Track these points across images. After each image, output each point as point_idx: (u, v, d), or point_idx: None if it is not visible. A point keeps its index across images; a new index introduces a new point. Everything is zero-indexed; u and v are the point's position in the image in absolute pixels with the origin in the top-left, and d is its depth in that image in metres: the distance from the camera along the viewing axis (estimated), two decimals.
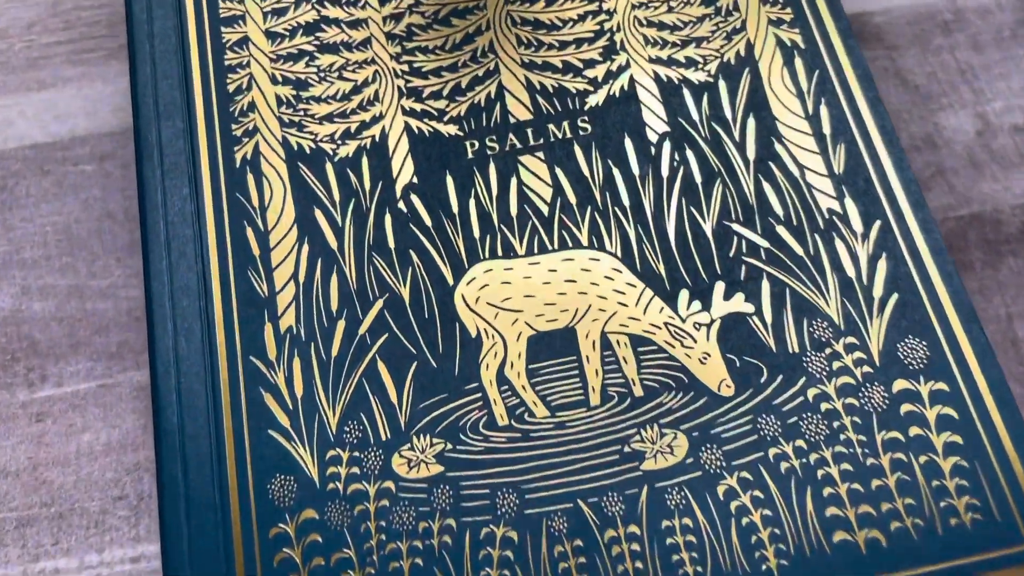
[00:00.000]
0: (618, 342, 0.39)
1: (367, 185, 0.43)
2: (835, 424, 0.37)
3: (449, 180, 0.43)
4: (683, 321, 0.39)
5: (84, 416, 0.45)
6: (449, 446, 0.38)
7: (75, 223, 0.49)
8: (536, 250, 0.41)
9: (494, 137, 0.43)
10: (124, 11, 0.49)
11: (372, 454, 0.38)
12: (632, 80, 0.44)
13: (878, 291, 0.39)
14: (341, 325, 0.40)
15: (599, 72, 0.45)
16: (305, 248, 0.42)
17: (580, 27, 0.46)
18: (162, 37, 0.46)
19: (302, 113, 0.44)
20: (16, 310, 0.47)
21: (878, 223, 0.40)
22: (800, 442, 0.37)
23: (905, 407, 0.37)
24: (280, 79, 0.45)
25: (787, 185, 0.41)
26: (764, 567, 0.35)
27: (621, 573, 0.35)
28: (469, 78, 0.45)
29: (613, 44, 0.45)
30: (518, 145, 0.43)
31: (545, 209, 0.42)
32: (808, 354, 0.38)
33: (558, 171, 0.43)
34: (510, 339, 0.40)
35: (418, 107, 0.44)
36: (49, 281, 0.48)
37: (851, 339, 0.39)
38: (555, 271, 0.41)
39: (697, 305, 0.40)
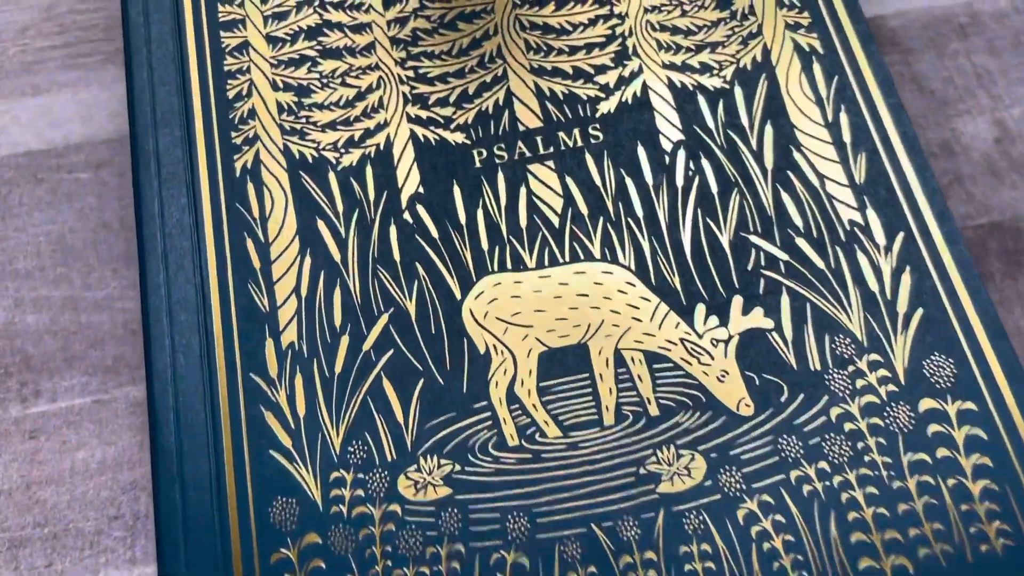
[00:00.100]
0: (632, 359, 0.38)
1: (371, 195, 0.41)
2: (859, 445, 0.36)
3: (456, 190, 0.41)
4: (700, 337, 0.38)
5: (79, 433, 0.43)
6: (457, 467, 0.36)
7: (70, 233, 0.47)
8: (547, 263, 0.40)
9: (502, 145, 0.42)
10: (120, 15, 0.48)
11: (377, 476, 0.36)
12: (645, 86, 0.43)
13: (902, 306, 0.38)
14: (345, 341, 0.39)
15: (611, 78, 0.43)
16: (307, 261, 0.40)
17: (591, 31, 0.44)
18: (159, 42, 0.44)
19: (304, 120, 0.43)
20: (9, 323, 0.46)
21: (901, 235, 0.39)
22: (823, 464, 0.35)
23: (932, 427, 0.36)
24: (281, 85, 0.44)
25: (806, 195, 0.40)
26: None
27: None
28: (476, 84, 0.43)
29: (625, 49, 0.44)
30: (527, 153, 0.42)
31: (556, 220, 0.41)
32: (830, 372, 0.37)
33: (569, 180, 0.41)
34: (520, 356, 0.38)
35: (424, 114, 0.43)
36: (43, 293, 0.46)
37: (875, 356, 0.37)
38: (566, 285, 0.39)
39: (714, 320, 0.38)
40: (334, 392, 0.38)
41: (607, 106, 0.43)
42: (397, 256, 0.40)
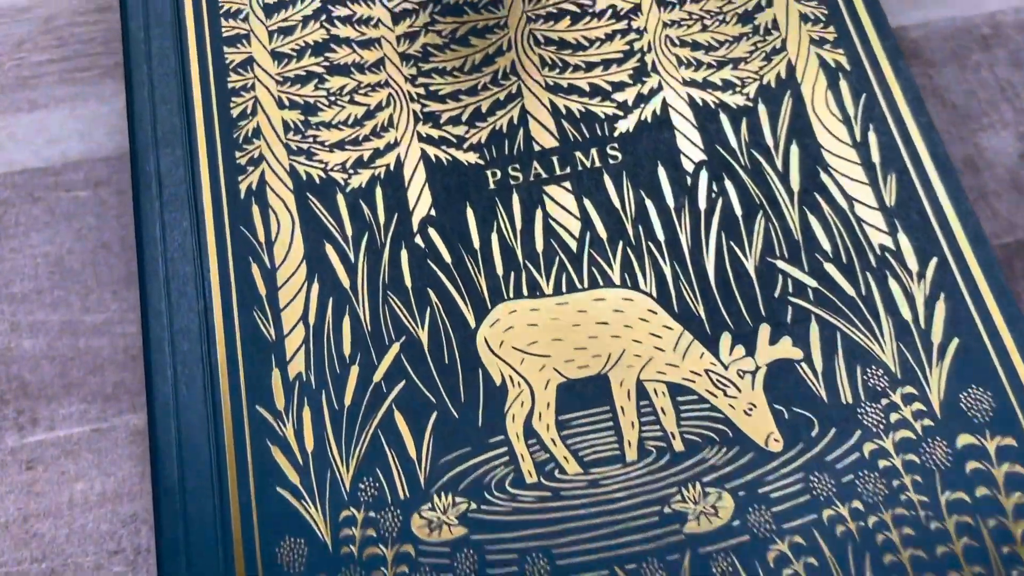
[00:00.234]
0: (655, 391, 0.36)
1: (381, 218, 0.40)
2: (894, 483, 0.34)
3: (469, 212, 0.40)
4: (726, 368, 0.36)
5: (77, 463, 0.42)
6: (473, 506, 0.35)
7: (68, 254, 0.46)
8: (564, 289, 0.38)
9: (517, 166, 0.40)
10: (120, 28, 0.47)
11: (389, 514, 0.35)
12: (665, 104, 0.41)
13: (937, 336, 0.36)
14: (354, 371, 0.37)
15: (629, 95, 0.42)
16: (315, 287, 0.39)
17: (608, 47, 0.43)
18: (160, 58, 0.43)
19: (311, 140, 0.41)
20: (5, 348, 0.44)
21: (934, 260, 0.38)
22: (856, 503, 0.34)
23: (970, 464, 0.34)
24: (287, 103, 0.42)
25: (835, 219, 0.38)
26: None
27: None
28: (490, 102, 0.42)
29: (644, 65, 0.42)
30: (543, 174, 0.40)
31: (573, 244, 0.39)
32: (863, 405, 0.35)
33: (587, 202, 0.40)
34: (538, 387, 0.37)
35: (435, 133, 0.41)
36: (40, 317, 0.45)
37: (909, 389, 0.36)
38: (585, 312, 0.38)
39: (741, 350, 0.37)
40: (343, 426, 0.36)
41: (626, 125, 0.41)
42: (408, 282, 0.39)
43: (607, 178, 0.40)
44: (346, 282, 0.39)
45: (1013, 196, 0.46)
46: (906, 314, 0.37)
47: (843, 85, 0.41)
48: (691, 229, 0.39)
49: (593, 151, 0.41)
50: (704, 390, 0.36)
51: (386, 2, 0.43)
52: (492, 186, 0.40)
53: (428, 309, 0.38)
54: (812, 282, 0.38)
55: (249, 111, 0.42)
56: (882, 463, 0.34)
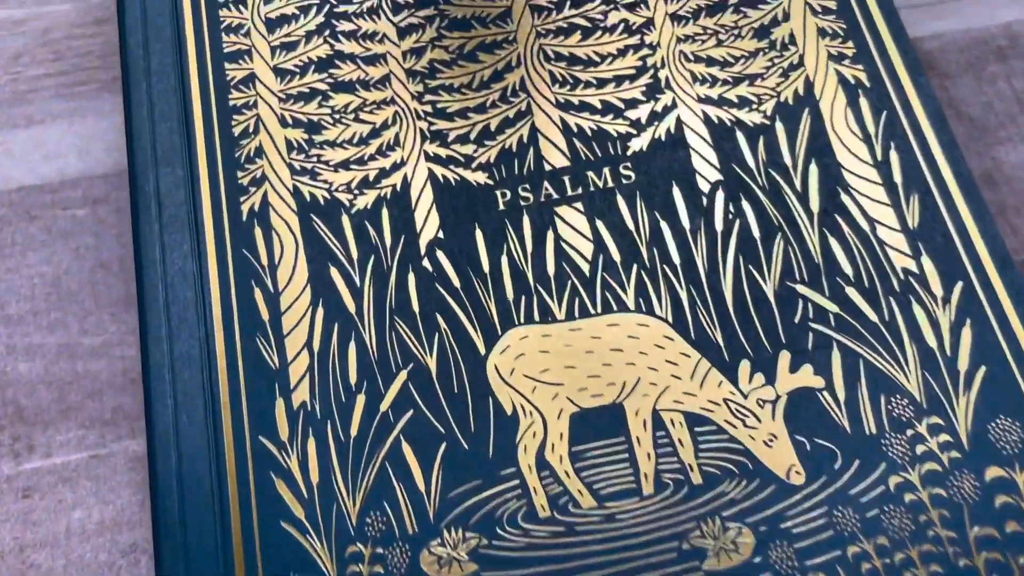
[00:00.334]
0: (672, 421, 0.35)
1: (388, 240, 0.38)
2: (921, 518, 0.33)
3: (478, 234, 0.39)
4: (745, 397, 0.35)
5: (75, 491, 0.41)
6: (484, 541, 0.34)
7: (65, 274, 0.45)
8: (577, 314, 0.37)
9: (527, 186, 0.39)
10: (118, 41, 0.45)
11: (397, 550, 0.34)
12: (679, 122, 0.40)
13: (963, 363, 0.35)
14: (361, 400, 0.36)
15: (642, 113, 0.40)
16: (320, 312, 0.37)
17: (620, 63, 0.41)
18: (160, 74, 0.42)
19: (315, 159, 0.40)
20: (0, 372, 0.43)
21: (960, 285, 0.36)
22: (882, 539, 0.33)
23: (1000, 499, 0.33)
24: (290, 121, 0.41)
25: (856, 241, 0.37)
26: None
27: None
28: (499, 120, 0.41)
29: (657, 82, 0.41)
30: (554, 195, 0.39)
31: (586, 267, 0.38)
32: (887, 436, 0.34)
33: (599, 224, 0.38)
34: (550, 417, 0.35)
35: (443, 152, 0.40)
36: (36, 339, 0.44)
37: (935, 419, 0.34)
38: (599, 338, 0.36)
39: (760, 378, 0.35)
40: (350, 457, 0.35)
41: (639, 143, 0.40)
42: (416, 307, 0.37)
43: (620, 199, 0.39)
44: (351, 307, 0.37)
45: None
46: (931, 341, 0.36)
47: (863, 102, 0.40)
48: (707, 252, 0.38)
49: (606, 171, 0.39)
50: (723, 420, 0.35)
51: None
52: (502, 207, 0.39)
53: (436, 335, 0.37)
54: (833, 307, 0.36)
55: (251, 129, 0.41)
56: (908, 497, 0.33)
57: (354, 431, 0.36)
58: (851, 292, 0.37)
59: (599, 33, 0.42)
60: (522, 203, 0.39)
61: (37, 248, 0.45)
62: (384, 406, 0.36)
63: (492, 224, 0.39)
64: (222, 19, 0.43)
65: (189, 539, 0.34)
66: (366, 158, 0.40)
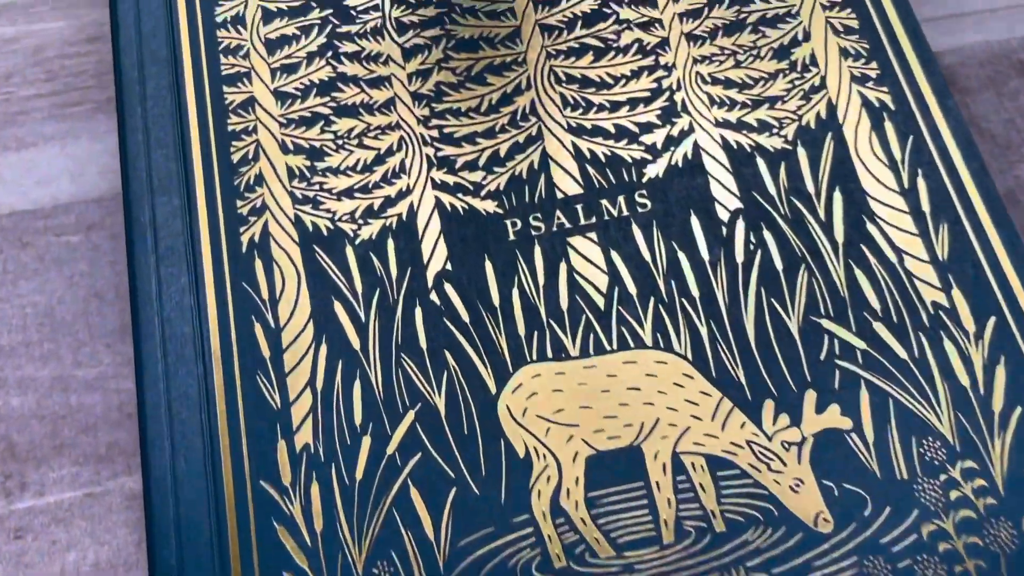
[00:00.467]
0: (693, 465, 0.34)
1: (394, 272, 0.37)
2: (956, 569, 0.31)
3: (488, 266, 0.37)
4: (769, 439, 0.34)
5: (69, 531, 0.39)
6: None
7: (59, 304, 0.43)
8: (592, 350, 0.35)
9: (539, 215, 0.38)
10: (112, 63, 0.44)
11: None
12: (697, 147, 0.38)
13: (998, 403, 0.34)
14: (366, 442, 0.34)
15: (658, 138, 0.39)
16: (323, 349, 0.36)
17: (634, 85, 0.40)
18: (156, 98, 0.40)
19: (317, 187, 0.39)
20: None
21: (992, 320, 0.35)
22: None
23: None
24: (291, 147, 0.39)
25: (883, 273, 0.36)
26: None
27: None
28: (508, 145, 0.39)
29: (673, 105, 0.39)
30: (567, 224, 0.38)
31: (600, 301, 0.36)
32: (919, 481, 0.33)
33: (614, 255, 0.37)
34: (565, 460, 0.34)
35: (450, 180, 0.38)
36: (29, 372, 0.42)
37: (969, 463, 0.33)
38: (615, 376, 0.35)
39: (785, 419, 0.34)
40: (355, 503, 0.34)
41: (655, 170, 0.38)
42: (423, 343, 0.36)
43: (636, 228, 0.37)
44: (356, 343, 0.36)
45: None
46: (963, 379, 0.34)
47: (888, 126, 0.38)
48: (728, 284, 0.36)
49: (620, 199, 0.38)
50: (746, 464, 0.33)
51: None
52: (512, 237, 0.37)
53: (445, 373, 0.35)
54: (860, 343, 0.35)
55: (251, 156, 0.39)
56: (942, 546, 0.32)
57: (359, 475, 0.34)
58: (879, 327, 0.35)
59: (612, 54, 0.41)
60: (533, 233, 0.37)
61: (29, 276, 0.44)
62: (391, 448, 0.34)
63: (502, 255, 0.37)
64: (220, 40, 0.41)
65: None
66: (370, 186, 0.39)
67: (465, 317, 0.36)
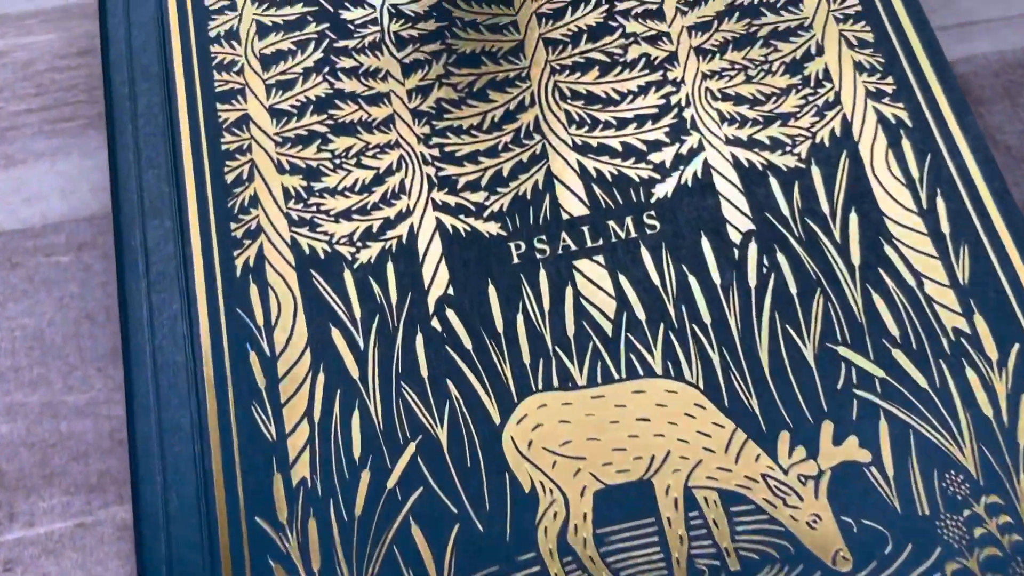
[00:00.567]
0: (706, 500, 0.32)
1: (393, 297, 0.36)
2: None
3: (491, 291, 0.36)
4: (785, 472, 0.32)
5: (60, 563, 0.38)
6: None
7: (48, 326, 0.42)
8: (599, 379, 0.34)
9: (543, 237, 0.36)
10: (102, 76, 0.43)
11: None
12: (707, 166, 0.37)
13: (1023, 435, 0.32)
14: (366, 476, 0.33)
15: (667, 156, 0.38)
16: (320, 378, 0.35)
17: (642, 101, 0.39)
18: (147, 117, 0.39)
19: (314, 209, 0.37)
20: None
21: (1016, 347, 0.34)
22: None
23: None
24: (287, 167, 0.38)
25: (902, 298, 0.34)
26: None
27: None
28: (512, 164, 0.38)
29: (682, 122, 0.38)
30: (573, 247, 0.36)
31: (608, 327, 0.35)
32: (942, 517, 0.31)
33: (622, 279, 0.36)
34: (572, 495, 0.33)
35: (452, 200, 0.37)
36: (18, 398, 0.41)
37: (994, 498, 0.32)
38: (624, 407, 0.34)
39: (801, 452, 0.33)
40: (354, 540, 0.32)
41: (664, 190, 0.37)
42: (425, 371, 0.35)
43: (644, 251, 0.36)
44: (355, 372, 0.35)
45: None
46: (987, 410, 0.33)
47: (905, 144, 0.37)
48: (740, 309, 0.35)
49: (628, 220, 0.37)
50: (761, 499, 0.32)
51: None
52: (516, 260, 0.36)
53: (447, 403, 0.34)
54: (879, 372, 0.33)
55: (245, 176, 0.38)
56: None
57: (359, 510, 0.33)
58: (898, 355, 0.34)
59: (618, 69, 0.39)
60: (538, 256, 0.36)
61: (18, 298, 0.43)
62: (391, 483, 0.33)
63: (506, 279, 0.36)
64: (214, 55, 0.40)
65: None
66: (369, 207, 0.37)
67: (468, 344, 0.35)
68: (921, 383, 0.33)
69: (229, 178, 0.38)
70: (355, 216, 0.37)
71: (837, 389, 0.33)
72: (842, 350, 0.34)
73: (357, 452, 0.34)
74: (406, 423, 0.34)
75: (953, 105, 0.37)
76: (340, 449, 0.34)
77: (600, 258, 0.36)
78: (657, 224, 0.36)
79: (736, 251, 0.36)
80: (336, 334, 0.35)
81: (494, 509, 0.33)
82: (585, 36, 0.40)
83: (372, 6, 0.41)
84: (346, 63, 0.40)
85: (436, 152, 0.38)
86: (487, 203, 0.37)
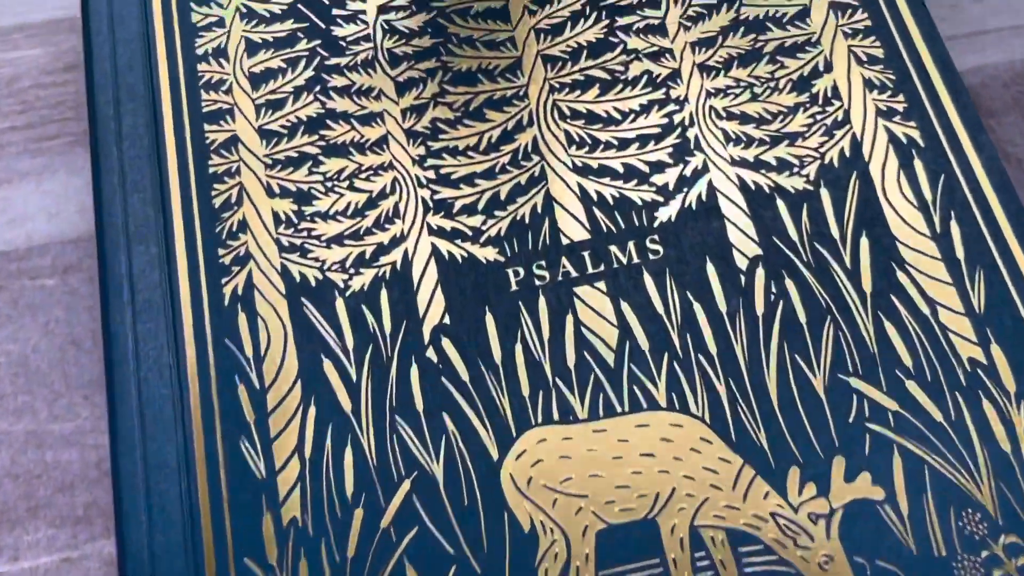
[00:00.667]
0: (713, 539, 0.31)
1: (387, 327, 0.34)
2: None
3: (489, 319, 0.34)
4: (795, 511, 0.31)
5: None
6: None
7: (33, 352, 0.41)
8: (601, 412, 0.33)
9: (543, 263, 0.35)
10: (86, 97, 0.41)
11: None
12: (712, 188, 0.36)
13: None
14: (359, 515, 0.32)
15: (670, 178, 0.36)
16: (312, 412, 0.33)
17: (644, 120, 0.37)
18: (133, 138, 0.38)
19: (305, 234, 0.36)
20: None
21: None
22: None
23: None
24: (277, 190, 0.37)
25: (915, 327, 0.33)
26: None
27: None
28: (510, 187, 0.36)
29: (686, 142, 0.37)
30: (573, 273, 0.35)
31: (610, 357, 0.34)
32: (959, 558, 0.30)
33: (624, 306, 0.34)
34: (574, 535, 0.31)
35: (448, 225, 0.36)
36: (2, 427, 0.40)
37: (1012, 538, 0.30)
38: (627, 441, 0.32)
39: (812, 489, 0.31)
40: None
41: (667, 213, 0.36)
42: (420, 404, 0.33)
43: (647, 277, 0.35)
44: (347, 405, 0.33)
45: None
46: (1004, 444, 0.31)
47: (918, 164, 0.36)
48: (748, 339, 0.33)
49: (630, 245, 0.35)
50: (770, 538, 0.31)
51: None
52: (514, 287, 0.35)
53: (443, 438, 0.33)
54: (892, 404, 0.32)
55: (233, 200, 0.36)
56: None
57: (351, 551, 0.31)
58: (911, 386, 0.32)
59: (619, 87, 0.38)
60: (537, 283, 0.35)
61: (2, 324, 0.41)
62: (385, 522, 0.32)
63: (504, 307, 0.35)
64: (201, 74, 0.39)
65: None
66: (362, 232, 0.36)
67: (464, 375, 0.34)
68: (936, 416, 0.32)
69: (217, 202, 0.36)
70: (347, 241, 0.36)
71: (849, 422, 0.32)
72: (854, 381, 0.33)
73: (350, 490, 0.32)
74: (400, 459, 0.33)
75: (966, 124, 0.36)
76: (332, 487, 0.32)
77: (601, 284, 0.35)
78: (660, 249, 0.35)
79: (743, 277, 0.34)
80: (328, 365, 0.34)
81: (492, 550, 0.31)
82: (585, 53, 0.39)
83: (365, 22, 0.39)
84: (338, 81, 0.38)
85: (431, 174, 0.37)
86: (484, 227, 0.36)
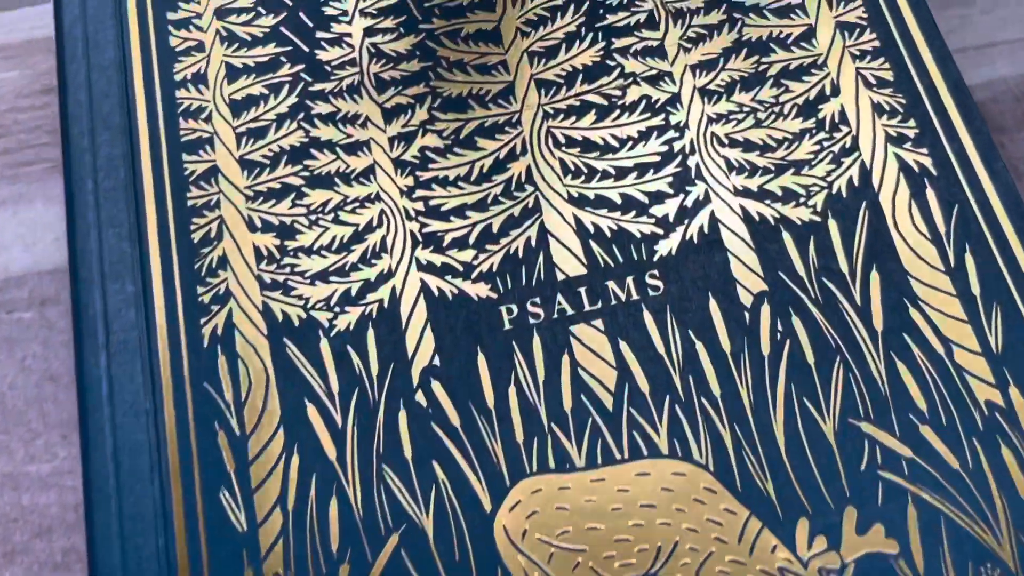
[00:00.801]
0: None
1: (374, 369, 0.33)
2: None
3: (481, 360, 0.33)
4: (805, 566, 0.29)
5: None
6: None
7: (10, 390, 0.40)
8: (599, 460, 0.31)
9: (537, 300, 0.34)
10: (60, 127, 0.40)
11: None
12: (714, 219, 0.34)
13: None
14: (344, 571, 0.30)
15: (670, 209, 0.35)
16: (295, 460, 0.32)
17: (642, 148, 0.36)
18: (108, 170, 0.36)
19: (288, 270, 0.34)
20: None
21: None
22: None
23: None
24: (259, 224, 0.35)
25: (929, 368, 0.32)
26: None
27: None
28: (502, 219, 0.35)
29: (687, 171, 0.35)
30: (569, 310, 0.33)
31: (608, 401, 0.32)
32: None
33: (623, 346, 0.33)
34: None
35: (437, 260, 0.34)
36: None
37: None
38: (627, 491, 0.31)
39: (822, 542, 0.30)
40: None
41: (667, 246, 0.34)
42: (409, 452, 0.32)
43: (647, 314, 0.33)
44: (332, 453, 0.32)
45: None
46: None
47: (930, 194, 0.34)
48: (753, 380, 0.32)
49: (629, 280, 0.34)
50: None
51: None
52: (507, 326, 0.33)
53: (433, 488, 0.31)
54: (906, 451, 0.31)
55: (213, 235, 0.35)
56: None
57: None
58: (926, 431, 0.31)
59: (616, 113, 0.36)
60: (531, 321, 0.33)
61: None
62: None
63: (497, 347, 0.33)
64: (179, 101, 0.37)
65: None
66: (347, 268, 0.34)
67: (455, 421, 0.32)
68: (952, 463, 0.30)
69: (196, 237, 0.35)
70: (332, 278, 0.34)
71: (860, 470, 0.31)
72: (865, 426, 0.31)
73: (335, 544, 0.31)
74: (388, 511, 0.31)
75: (980, 150, 0.34)
76: (316, 540, 0.31)
77: (599, 323, 0.33)
78: (660, 284, 0.34)
79: (747, 315, 0.33)
80: (312, 410, 0.32)
81: None
82: (580, 77, 0.37)
83: (351, 46, 0.38)
84: (323, 108, 0.37)
85: (420, 206, 0.35)
86: (475, 263, 0.34)
